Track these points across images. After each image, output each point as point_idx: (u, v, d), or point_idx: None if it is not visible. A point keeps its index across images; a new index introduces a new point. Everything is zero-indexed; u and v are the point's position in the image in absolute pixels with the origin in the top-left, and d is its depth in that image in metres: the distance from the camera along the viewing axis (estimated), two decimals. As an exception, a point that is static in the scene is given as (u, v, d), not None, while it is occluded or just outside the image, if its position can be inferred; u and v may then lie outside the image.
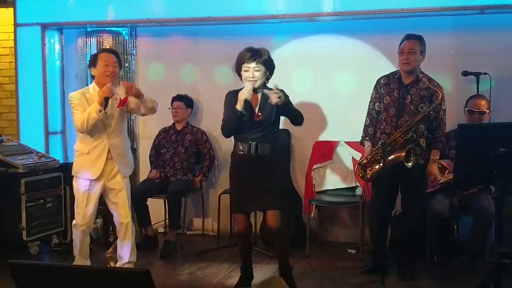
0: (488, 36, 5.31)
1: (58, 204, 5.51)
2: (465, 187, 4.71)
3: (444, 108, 4.50)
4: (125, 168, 4.47)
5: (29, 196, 5.20)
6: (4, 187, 5.15)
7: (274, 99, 3.92)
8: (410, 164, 4.28)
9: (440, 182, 4.72)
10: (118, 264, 4.51)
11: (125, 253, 4.46)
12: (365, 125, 4.71)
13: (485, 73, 5.13)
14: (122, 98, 4.40)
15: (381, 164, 4.37)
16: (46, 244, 5.45)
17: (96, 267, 3.98)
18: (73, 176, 4.45)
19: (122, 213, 4.42)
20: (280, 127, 4.41)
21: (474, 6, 5.08)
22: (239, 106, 4.02)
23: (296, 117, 4.19)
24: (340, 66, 5.67)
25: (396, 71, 4.62)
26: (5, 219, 5.15)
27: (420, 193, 4.61)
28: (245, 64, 4.07)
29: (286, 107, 4.05)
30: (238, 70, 4.16)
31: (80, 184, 4.39)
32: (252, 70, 4.05)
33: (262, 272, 4.67)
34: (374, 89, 4.69)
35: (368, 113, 4.70)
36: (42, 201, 5.34)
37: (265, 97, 4.07)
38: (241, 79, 4.16)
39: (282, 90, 4.01)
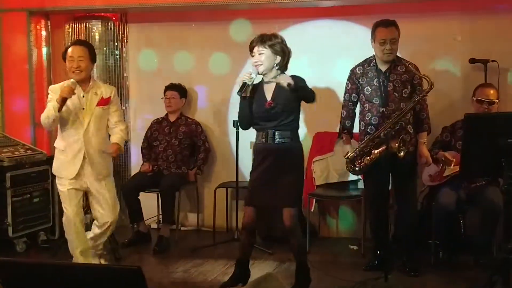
0: (496, 20, 5.30)
1: (46, 199, 5.51)
2: (472, 180, 4.71)
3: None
4: (98, 170, 4.44)
5: (15, 190, 5.20)
6: (-12, 181, 5.15)
7: (284, 82, 3.95)
8: (402, 154, 4.31)
9: (446, 175, 4.75)
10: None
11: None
12: (341, 117, 4.74)
13: (493, 61, 5.13)
14: (104, 97, 4.41)
15: (371, 156, 4.44)
16: (33, 241, 5.43)
17: (85, 264, 3.98)
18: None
19: (103, 212, 4.46)
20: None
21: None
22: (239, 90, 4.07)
23: (308, 96, 4.14)
24: (341, 53, 5.62)
25: (370, 58, 4.64)
26: (-10, 215, 5.16)
27: (414, 181, 4.70)
28: (253, 50, 4.12)
29: (301, 91, 4.04)
30: (251, 54, 4.18)
31: (61, 184, 4.45)
32: (257, 54, 4.09)
33: (259, 269, 4.66)
34: (348, 80, 4.71)
35: (344, 105, 4.74)
36: (28, 195, 5.34)
37: (279, 85, 4.08)
38: None
39: (295, 76, 4.07)
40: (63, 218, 4.51)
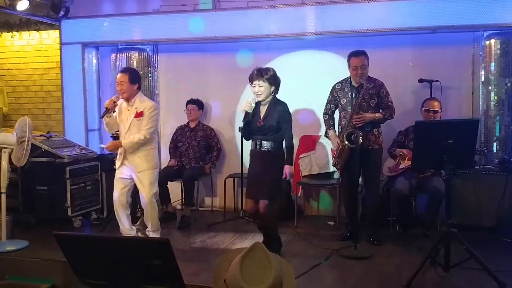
0: (439, 50, 5.28)
1: (96, 187, 5.49)
2: (421, 171, 4.71)
3: (388, 95, 4.53)
4: (136, 164, 4.35)
5: (72, 180, 5.18)
6: (53, 174, 5.13)
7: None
8: (350, 144, 4.32)
9: (401, 167, 4.74)
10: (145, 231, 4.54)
11: (148, 224, 4.50)
12: (324, 120, 4.76)
13: (436, 80, 5.13)
14: (138, 111, 4.35)
15: (339, 153, 4.51)
16: (87, 219, 5.42)
17: (126, 236, 3.97)
18: None
19: (142, 195, 4.40)
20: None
21: (428, 27, 5.05)
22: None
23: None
24: (320, 75, 5.56)
25: (347, 77, 4.62)
26: (54, 200, 5.14)
27: (378, 173, 4.65)
28: (253, 81, 4.12)
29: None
30: (251, 84, 4.20)
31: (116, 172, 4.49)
32: (257, 86, 4.08)
33: (259, 239, 4.64)
34: (330, 94, 4.71)
35: (325, 113, 4.75)
36: (83, 184, 5.32)
37: (270, 108, 4.10)
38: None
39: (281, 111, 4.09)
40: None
